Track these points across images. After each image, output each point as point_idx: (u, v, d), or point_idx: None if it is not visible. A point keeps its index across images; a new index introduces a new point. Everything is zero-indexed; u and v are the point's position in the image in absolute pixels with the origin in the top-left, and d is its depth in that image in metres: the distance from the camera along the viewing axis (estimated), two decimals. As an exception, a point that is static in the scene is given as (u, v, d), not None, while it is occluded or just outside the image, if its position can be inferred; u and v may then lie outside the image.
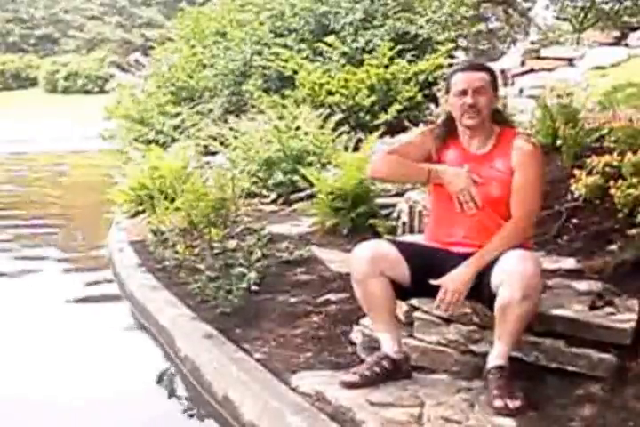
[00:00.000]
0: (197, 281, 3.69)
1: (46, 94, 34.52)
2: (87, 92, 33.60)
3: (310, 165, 5.85)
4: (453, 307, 2.36)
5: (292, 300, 3.50)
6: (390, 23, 8.87)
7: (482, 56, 10.69)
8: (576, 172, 3.46)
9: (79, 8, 40.55)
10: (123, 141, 10.83)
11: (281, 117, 6.80)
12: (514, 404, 2.18)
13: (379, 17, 9.00)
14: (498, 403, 2.19)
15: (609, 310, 2.46)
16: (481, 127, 2.54)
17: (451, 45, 8.79)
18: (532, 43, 10.70)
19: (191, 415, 2.77)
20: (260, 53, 9.22)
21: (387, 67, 8.23)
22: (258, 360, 2.76)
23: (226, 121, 7.59)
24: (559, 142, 4.07)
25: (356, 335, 2.85)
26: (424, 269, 2.48)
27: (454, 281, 2.35)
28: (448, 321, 2.51)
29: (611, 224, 3.20)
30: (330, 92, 8.21)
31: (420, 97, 8.19)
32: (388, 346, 2.46)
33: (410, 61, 8.35)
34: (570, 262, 3.06)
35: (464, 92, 2.50)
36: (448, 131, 2.63)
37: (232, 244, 4.27)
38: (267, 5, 9.97)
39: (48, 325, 3.79)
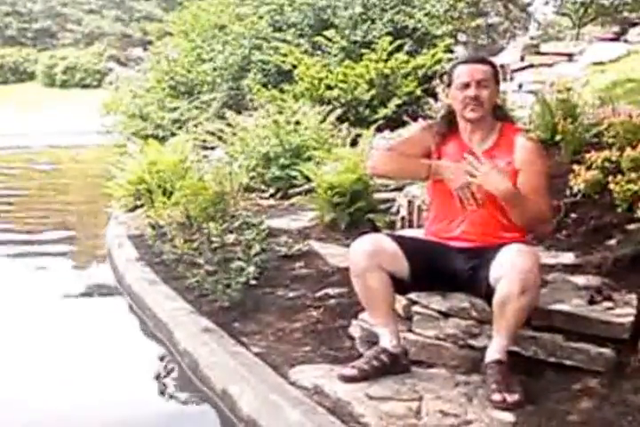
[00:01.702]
0: (196, 275, 3.69)
1: (44, 88, 34.38)
2: (85, 86, 33.47)
3: (309, 159, 5.84)
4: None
5: (291, 294, 3.50)
6: (388, 17, 8.85)
7: (481, 51, 10.68)
8: (575, 167, 3.45)
9: (77, 1, 40.32)
10: (121, 136, 10.81)
11: (280, 112, 6.79)
12: (512, 398, 2.19)
13: (377, 10, 8.98)
14: (496, 397, 2.20)
15: (607, 304, 2.47)
16: (482, 121, 2.54)
17: (449, 40, 8.78)
18: (532, 38, 10.70)
19: (189, 409, 2.76)
20: (259, 48, 9.22)
21: (386, 61, 8.22)
22: (256, 354, 2.76)
23: (224, 116, 7.57)
24: (558, 137, 4.06)
25: (354, 329, 2.85)
26: (423, 263, 2.49)
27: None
28: (446, 315, 2.51)
29: (609, 219, 3.20)
30: (329, 87, 8.19)
31: (419, 92, 8.17)
32: (387, 340, 2.46)
33: (408, 53, 8.33)
34: (569, 257, 3.07)
35: (467, 85, 2.49)
36: (448, 126, 2.62)
37: (231, 238, 4.26)
38: (266, -1, 9.96)
39: (44, 320, 3.77)
